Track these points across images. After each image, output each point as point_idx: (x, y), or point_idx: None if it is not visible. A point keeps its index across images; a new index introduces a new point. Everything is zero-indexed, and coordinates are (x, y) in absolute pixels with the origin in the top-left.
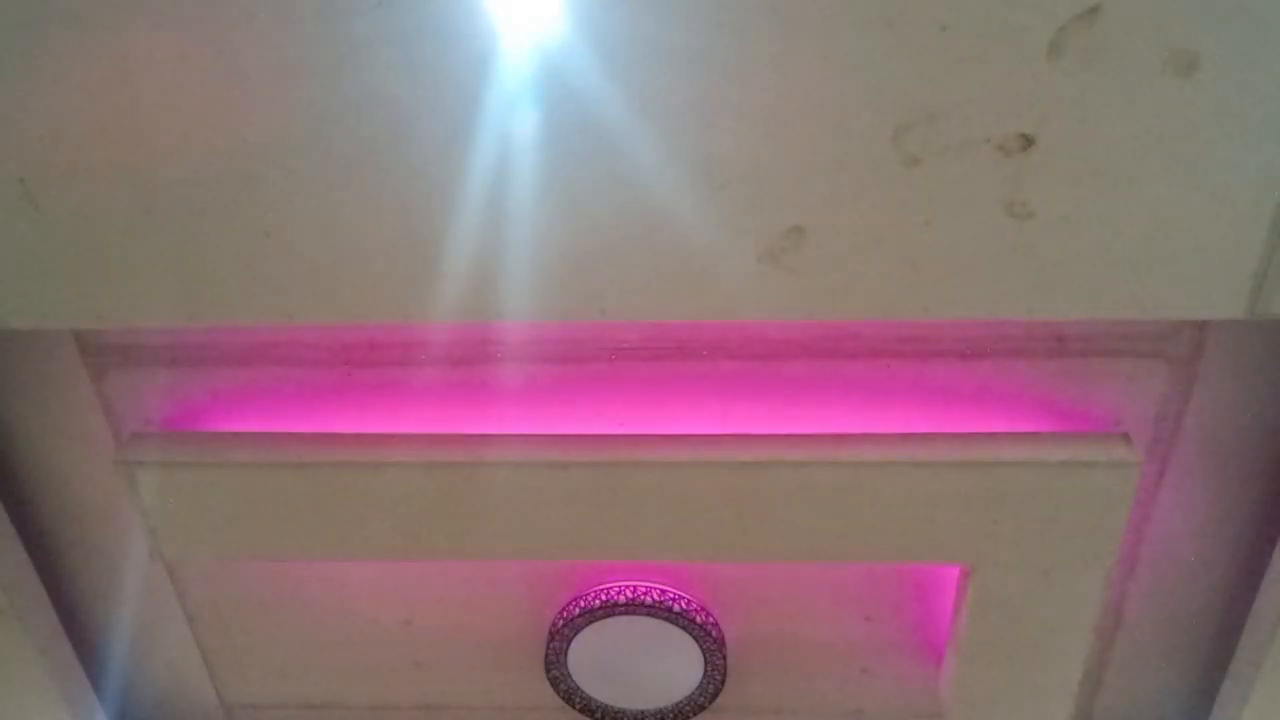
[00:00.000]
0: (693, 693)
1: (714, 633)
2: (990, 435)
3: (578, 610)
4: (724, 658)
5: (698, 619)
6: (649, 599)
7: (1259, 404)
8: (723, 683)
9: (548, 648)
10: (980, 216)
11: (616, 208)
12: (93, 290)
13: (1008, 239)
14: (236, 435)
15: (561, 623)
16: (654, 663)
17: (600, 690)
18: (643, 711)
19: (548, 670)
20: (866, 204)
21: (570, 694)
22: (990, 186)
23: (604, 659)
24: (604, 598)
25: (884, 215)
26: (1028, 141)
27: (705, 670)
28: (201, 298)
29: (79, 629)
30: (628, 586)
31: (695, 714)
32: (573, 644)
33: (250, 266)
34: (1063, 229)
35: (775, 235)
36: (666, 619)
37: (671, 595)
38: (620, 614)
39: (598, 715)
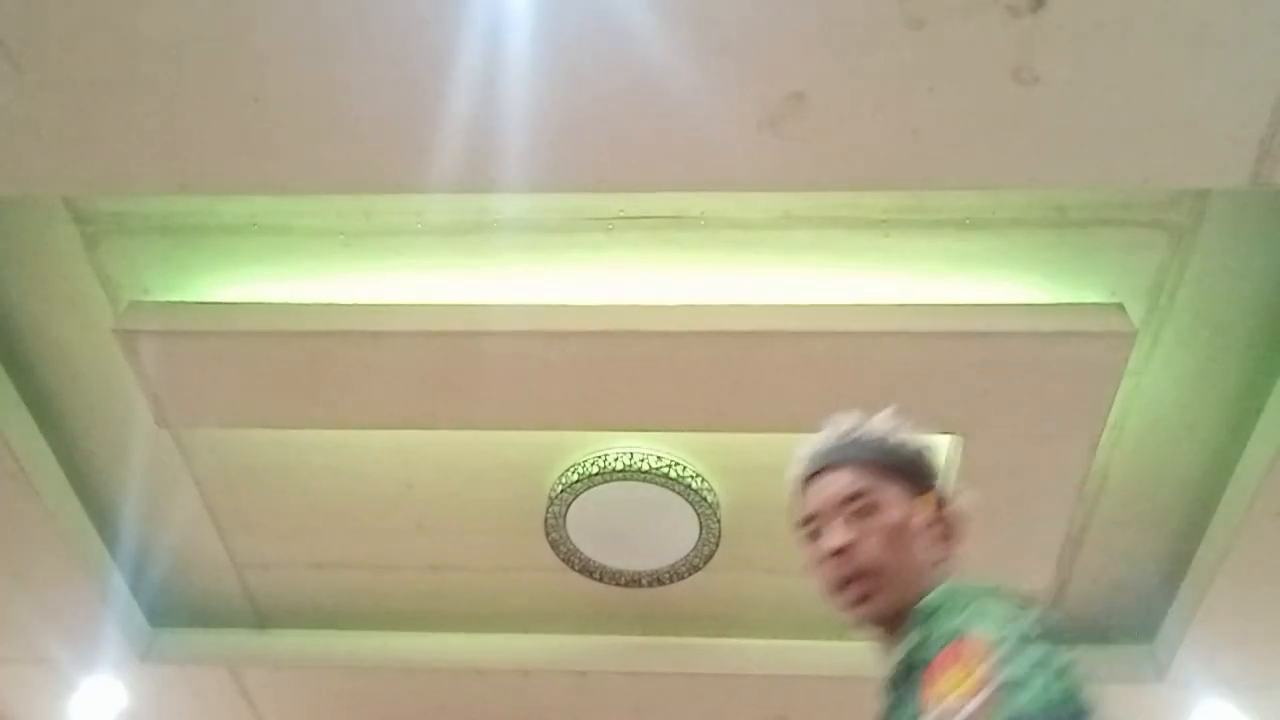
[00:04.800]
0: (688, 554)
1: (709, 497)
2: (985, 306)
3: (576, 476)
4: (718, 521)
5: (693, 484)
6: (645, 465)
7: (1255, 276)
8: (717, 545)
9: (548, 511)
10: (985, 82)
11: (613, 75)
12: (79, 156)
13: (1013, 105)
14: (235, 304)
15: (561, 487)
16: (651, 526)
17: (599, 552)
18: (639, 572)
19: (548, 533)
20: (869, 68)
21: (570, 555)
22: (997, 50)
23: (602, 522)
24: (601, 464)
25: (887, 80)
26: (1038, 2)
27: (700, 533)
28: (192, 166)
29: (91, 494)
30: (625, 453)
31: (690, 575)
32: (572, 508)
33: (239, 134)
34: (1069, 94)
35: (775, 101)
36: (663, 484)
37: (668, 461)
38: (617, 479)
39: (596, 575)
